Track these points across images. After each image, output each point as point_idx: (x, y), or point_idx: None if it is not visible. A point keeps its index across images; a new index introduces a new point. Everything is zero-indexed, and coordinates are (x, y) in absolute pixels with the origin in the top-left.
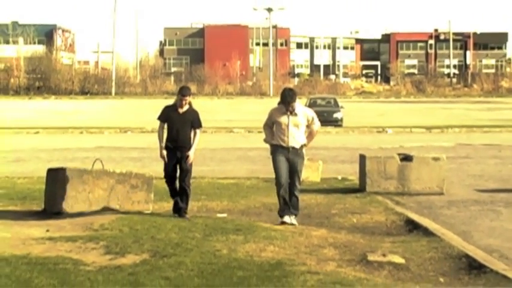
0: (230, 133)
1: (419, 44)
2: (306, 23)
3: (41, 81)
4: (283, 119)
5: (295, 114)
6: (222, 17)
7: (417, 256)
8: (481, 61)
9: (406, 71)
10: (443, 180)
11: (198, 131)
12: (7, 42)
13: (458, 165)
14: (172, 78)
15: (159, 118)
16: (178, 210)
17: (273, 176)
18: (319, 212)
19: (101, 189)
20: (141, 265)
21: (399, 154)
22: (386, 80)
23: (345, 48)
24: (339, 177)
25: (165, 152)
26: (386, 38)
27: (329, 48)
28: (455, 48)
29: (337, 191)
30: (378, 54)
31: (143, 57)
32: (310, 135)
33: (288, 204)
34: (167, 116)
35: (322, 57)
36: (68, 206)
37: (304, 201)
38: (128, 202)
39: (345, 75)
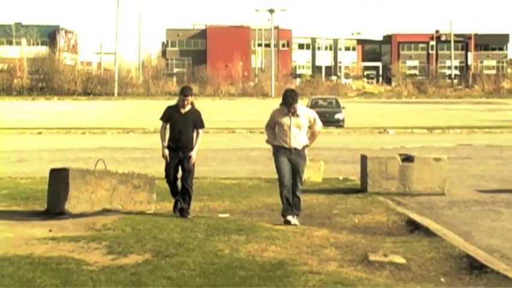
0: (232, 134)
1: (420, 45)
2: (308, 24)
3: (44, 82)
4: (285, 120)
5: (297, 116)
6: (224, 18)
7: (418, 256)
8: (482, 62)
9: (408, 72)
10: (444, 181)
11: (200, 131)
12: (10, 43)
13: (459, 166)
14: (174, 79)
15: (162, 118)
16: (180, 210)
17: (275, 176)
18: (321, 212)
19: (104, 190)
20: (143, 265)
21: (400, 155)
22: (387, 81)
23: (347, 49)
24: (341, 178)
25: (167, 152)
26: (388, 39)
27: (331, 49)
28: (456, 49)
29: (338, 192)
30: (379, 55)
31: (145, 58)
32: (313, 135)
33: (291, 204)
34: (169, 116)
35: (324, 58)
36: (71, 206)
37: (305, 202)
38: (130, 202)
39: (347, 76)
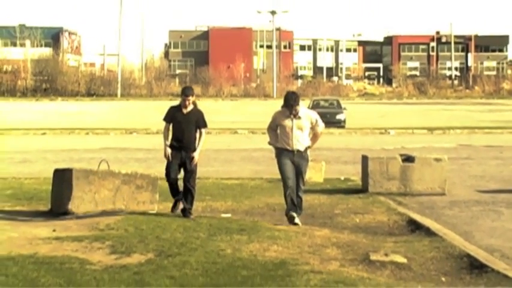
0: (234, 134)
1: (421, 47)
2: (309, 26)
3: (48, 83)
4: (287, 123)
5: (299, 118)
6: (227, 19)
7: (419, 256)
8: (482, 63)
9: (408, 73)
10: (445, 181)
11: (203, 130)
12: (14, 45)
13: (459, 166)
14: (177, 80)
15: (165, 119)
16: (183, 210)
17: (277, 176)
18: (322, 212)
19: (107, 190)
20: (146, 264)
21: (401, 155)
22: (388, 82)
23: (348, 50)
24: (342, 178)
25: (169, 151)
26: (389, 40)
27: (332, 50)
28: (456, 50)
29: (340, 192)
30: (380, 56)
31: (148, 60)
32: (315, 136)
33: (295, 204)
34: (172, 116)
35: (325, 60)
36: (74, 206)
37: (307, 202)
38: (133, 202)
39: (348, 77)
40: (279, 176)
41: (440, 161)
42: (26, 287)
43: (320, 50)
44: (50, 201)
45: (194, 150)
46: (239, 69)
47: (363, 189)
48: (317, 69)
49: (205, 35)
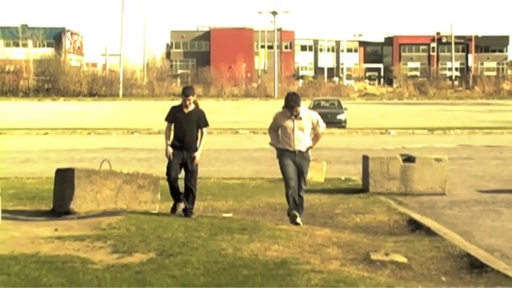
0: (235, 134)
1: (421, 47)
2: (311, 26)
3: (50, 83)
4: (288, 123)
5: (300, 118)
6: (228, 20)
7: (419, 255)
8: (482, 64)
9: (409, 74)
10: (445, 181)
11: (204, 130)
12: (17, 45)
13: (460, 166)
14: (178, 80)
15: (166, 119)
16: (184, 210)
17: (278, 176)
18: (323, 212)
19: (109, 189)
20: (147, 264)
21: (402, 155)
22: (389, 82)
23: (349, 51)
24: (343, 178)
25: (170, 150)
26: (389, 41)
27: (333, 51)
28: (457, 51)
29: (340, 191)
30: (381, 56)
31: (150, 60)
32: (316, 137)
33: (297, 204)
34: (174, 116)
35: (326, 60)
36: (76, 205)
37: (308, 201)
38: (135, 202)
39: (349, 77)
40: (280, 176)
41: (440, 161)
42: (28, 286)
43: (321, 50)
44: (52, 201)
45: (196, 150)
46: (240, 69)
47: (363, 189)
48: (318, 70)
49: (206, 36)
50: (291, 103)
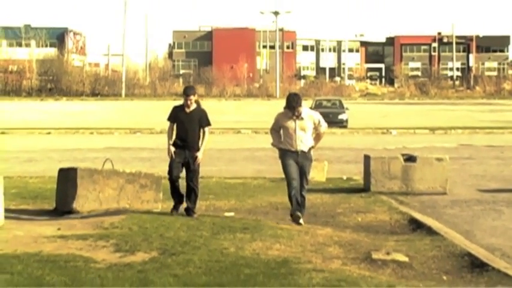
0: (237, 134)
1: (423, 47)
2: (312, 26)
3: (53, 83)
4: (290, 124)
5: (302, 119)
6: (230, 20)
7: (421, 254)
8: (483, 64)
9: (410, 74)
10: (446, 180)
11: (206, 129)
12: (20, 45)
13: (461, 166)
14: (181, 80)
15: (169, 119)
16: (186, 209)
17: (280, 176)
18: (325, 211)
19: (111, 189)
20: (150, 263)
21: (403, 155)
22: (390, 82)
23: (350, 51)
24: (344, 177)
25: (172, 149)
26: (391, 41)
27: (334, 51)
28: (458, 51)
29: (342, 191)
30: (382, 57)
31: (152, 60)
32: (318, 137)
33: (300, 204)
34: (176, 116)
35: (328, 60)
36: (79, 205)
37: (310, 201)
38: (137, 201)
39: (350, 77)
40: (282, 176)
41: (441, 161)
42: (30, 285)
43: (323, 50)
44: (55, 200)
45: (198, 149)
46: (242, 69)
47: (365, 189)
48: (319, 70)
49: (208, 36)
50: (293, 104)
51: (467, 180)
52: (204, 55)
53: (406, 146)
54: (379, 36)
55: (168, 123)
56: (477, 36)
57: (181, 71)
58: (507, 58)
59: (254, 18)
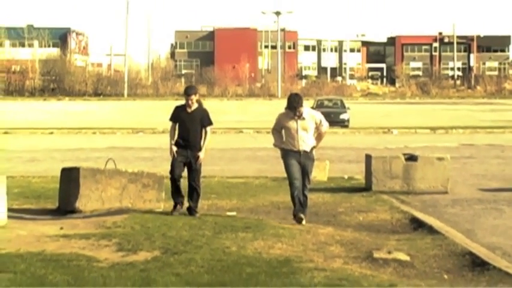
0: (239, 133)
1: (424, 47)
2: (314, 26)
3: (55, 83)
4: (292, 124)
5: (303, 119)
6: (232, 20)
7: (422, 253)
8: (484, 63)
9: (411, 73)
10: (447, 180)
11: (208, 129)
12: (23, 45)
13: (462, 165)
14: (183, 80)
15: (171, 119)
16: (188, 209)
17: (281, 175)
18: (326, 211)
19: (114, 188)
20: (152, 262)
21: (404, 154)
22: (391, 82)
23: (352, 50)
24: (346, 177)
25: (174, 148)
26: (392, 41)
27: (336, 50)
28: (459, 51)
29: (343, 190)
30: (383, 56)
31: (155, 60)
32: (319, 136)
33: (302, 205)
34: (177, 116)
35: (329, 60)
36: (82, 204)
37: (311, 200)
38: (139, 201)
39: (352, 77)
40: (284, 175)
41: (442, 160)
42: (33, 284)
43: (324, 50)
44: (58, 200)
45: (200, 149)
46: (244, 69)
47: (366, 188)
48: (321, 69)
49: (210, 36)
50: (294, 104)
51: (468, 179)
52: (206, 55)
53: (407, 145)
54: (380, 36)
55: (170, 123)
56: (478, 36)
57: (184, 71)
58: (508, 58)
59: (256, 18)
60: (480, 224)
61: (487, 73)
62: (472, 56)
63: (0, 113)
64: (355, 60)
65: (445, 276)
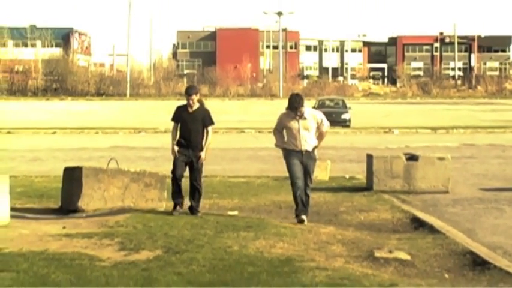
0: (241, 133)
1: (425, 47)
2: (315, 27)
3: (58, 83)
4: (294, 124)
5: (305, 118)
6: (234, 20)
7: (423, 253)
8: (485, 63)
9: (412, 73)
10: (448, 179)
11: (209, 128)
12: (25, 45)
13: (462, 165)
14: (185, 80)
15: (173, 119)
16: (190, 208)
17: (283, 174)
18: (328, 210)
19: (116, 188)
20: (154, 261)
21: (405, 154)
22: (393, 81)
23: (353, 51)
24: (347, 176)
25: (176, 148)
26: (393, 41)
27: (337, 51)
28: (460, 51)
29: (345, 190)
30: (384, 56)
31: (157, 60)
32: (320, 136)
33: (304, 205)
34: (179, 116)
35: (331, 60)
36: (84, 203)
37: (313, 199)
38: (141, 200)
39: (353, 77)
40: (285, 174)
41: (443, 160)
42: (36, 283)
43: (326, 50)
44: (60, 199)
45: (202, 149)
46: (246, 69)
47: (367, 187)
48: (322, 70)
49: (212, 36)
50: (295, 104)
51: (469, 179)
52: (208, 55)
53: (409, 145)
54: (381, 37)
55: (172, 124)
56: (479, 36)
57: (186, 71)
58: (509, 58)
59: (257, 19)
60: (481, 224)
61: (488, 73)
62: (473, 56)
63: (3, 112)
64: (356, 60)
65: (446, 276)
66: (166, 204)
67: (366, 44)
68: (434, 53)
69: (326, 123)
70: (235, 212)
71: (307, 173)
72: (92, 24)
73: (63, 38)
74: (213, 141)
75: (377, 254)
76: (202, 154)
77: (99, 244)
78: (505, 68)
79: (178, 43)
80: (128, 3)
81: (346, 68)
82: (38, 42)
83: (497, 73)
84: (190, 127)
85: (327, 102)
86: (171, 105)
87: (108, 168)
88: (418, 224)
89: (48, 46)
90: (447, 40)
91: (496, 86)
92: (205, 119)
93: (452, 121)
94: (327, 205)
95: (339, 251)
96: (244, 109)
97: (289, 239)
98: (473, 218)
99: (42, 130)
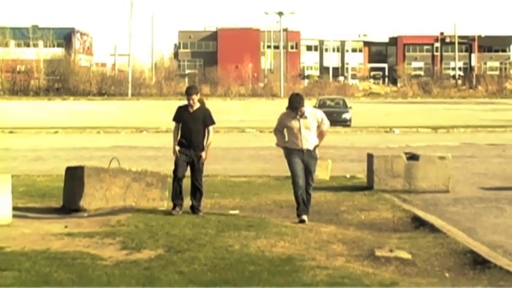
0: (242, 133)
1: (425, 47)
2: (316, 27)
3: (60, 82)
4: (294, 123)
5: (305, 117)
6: (235, 20)
7: (423, 252)
8: (485, 63)
9: (413, 73)
10: (448, 179)
11: (210, 128)
12: (27, 45)
13: (463, 164)
14: (186, 80)
15: (174, 119)
16: (192, 207)
17: (284, 174)
18: (329, 209)
19: (118, 187)
20: (156, 260)
21: (406, 153)
22: (393, 81)
23: (354, 50)
24: (348, 176)
25: (177, 148)
26: (394, 41)
27: (338, 50)
28: (460, 50)
29: (345, 189)
30: (385, 56)
31: (158, 60)
32: (321, 135)
33: (306, 205)
34: (180, 116)
35: (332, 60)
36: (86, 203)
37: (314, 199)
38: (143, 199)
39: (354, 77)
40: (286, 174)
41: (444, 159)
42: (38, 282)
43: (326, 50)
44: (62, 198)
45: (203, 149)
46: (247, 69)
47: (368, 187)
48: (323, 69)
49: (213, 36)
50: (295, 104)
51: (470, 178)
52: (209, 55)
53: (409, 144)
54: (382, 36)
55: (173, 123)
56: (479, 36)
57: (187, 71)
58: (509, 58)
59: (258, 19)
60: (481, 223)
61: (488, 73)
62: (473, 55)
63: (5, 112)
64: (357, 60)
65: (447, 275)
66: (168, 203)
67: (366, 43)
68: (435, 53)
69: (326, 122)
70: (237, 212)
71: (308, 172)
72: (93, 24)
73: (65, 38)
74: (214, 141)
75: (378, 253)
76: (203, 154)
77: (101, 243)
78: (505, 68)
79: (179, 43)
80: (130, 3)
81: (347, 68)
82: (40, 42)
83: (497, 73)
84: (191, 127)
85: (328, 102)
86: (172, 105)
87: (109, 167)
88: (418, 223)
89: (50, 46)
90: (447, 40)
91: (496, 86)
92: (206, 118)
93: (453, 120)
94: (328, 204)
95: (339, 250)
96: (245, 109)
97: (290, 238)
98: (473, 217)
99: (44, 130)
